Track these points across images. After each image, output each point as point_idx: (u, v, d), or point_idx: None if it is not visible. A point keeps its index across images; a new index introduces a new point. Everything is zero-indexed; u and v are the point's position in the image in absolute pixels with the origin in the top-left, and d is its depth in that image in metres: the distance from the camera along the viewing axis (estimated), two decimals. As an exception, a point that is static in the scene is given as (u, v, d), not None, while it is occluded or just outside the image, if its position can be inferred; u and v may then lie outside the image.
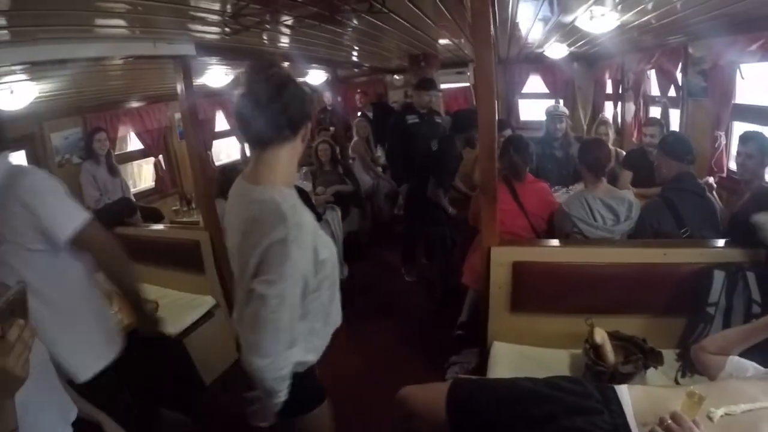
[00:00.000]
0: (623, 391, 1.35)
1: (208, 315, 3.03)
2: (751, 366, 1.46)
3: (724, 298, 2.07)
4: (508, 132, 3.94)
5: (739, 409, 1.22)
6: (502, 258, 2.25)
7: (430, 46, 4.20)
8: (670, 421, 1.15)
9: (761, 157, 2.48)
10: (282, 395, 1.26)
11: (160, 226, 3.66)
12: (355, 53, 4.82)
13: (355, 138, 5.71)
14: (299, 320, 1.26)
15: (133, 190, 4.85)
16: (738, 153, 2.64)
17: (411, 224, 4.27)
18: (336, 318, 1.45)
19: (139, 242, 3.27)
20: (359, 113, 6.51)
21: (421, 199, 3.79)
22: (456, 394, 1.44)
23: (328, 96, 6.46)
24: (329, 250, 1.30)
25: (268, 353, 1.18)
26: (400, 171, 4.37)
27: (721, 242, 2.25)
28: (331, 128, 6.00)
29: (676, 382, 2.01)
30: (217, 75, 4.27)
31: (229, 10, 2.04)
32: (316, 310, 1.32)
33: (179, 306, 2.99)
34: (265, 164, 1.26)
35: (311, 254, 1.21)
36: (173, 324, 2.71)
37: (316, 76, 5.81)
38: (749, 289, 2.05)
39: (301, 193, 4.20)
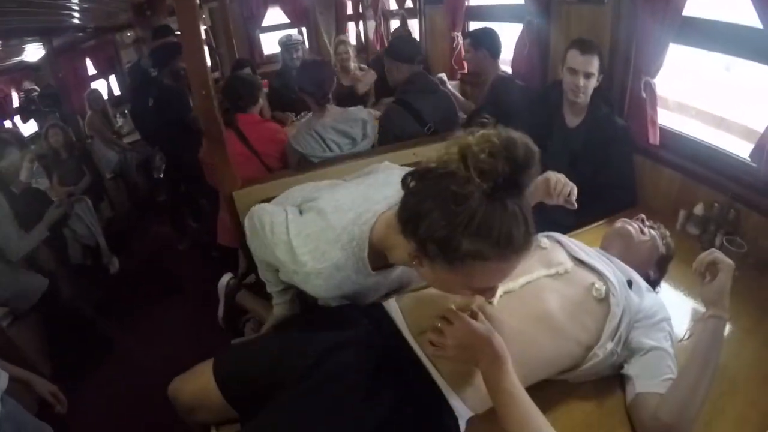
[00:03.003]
0: (391, 305, 1.21)
1: None
2: None
3: None
4: (247, 71, 3.66)
5: (518, 284, 1.16)
6: (247, 200, 1.97)
7: (154, -8, 3.64)
8: (441, 324, 1.02)
9: (476, 50, 2.67)
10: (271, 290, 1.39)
11: None
12: (73, 15, 3.97)
13: (89, 113, 4.84)
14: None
15: None
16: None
17: (173, 188, 3.88)
18: None
19: None
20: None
21: (175, 159, 3.37)
22: (221, 371, 1.18)
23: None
24: None
25: None
26: (150, 133, 3.90)
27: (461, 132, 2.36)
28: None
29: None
30: None
31: None
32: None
33: None
34: None
35: None
36: None
37: (34, 53, 4.80)
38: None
39: (37, 194, 3.47)
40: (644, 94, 1.97)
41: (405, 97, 2.37)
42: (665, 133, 2.03)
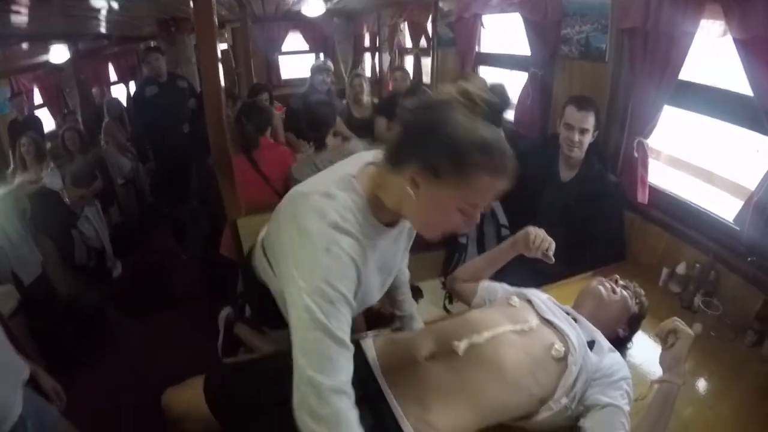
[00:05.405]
0: (369, 345, 1.28)
1: None
2: (500, 287, 1.52)
3: (474, 228, 2.28)
4: (264, 96, 3.71)
5: (482, 338, 1.21)
6: (250, 229, 2.06)
7: (180, 9, 3.75)
8: None
9: None
10: None
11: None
12: (99, 22, 4.12)
13: (106, 119, 4.98)
14: None
15: None
16: None
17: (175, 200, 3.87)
18: None
19: None
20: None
21: (169, 180, 3.37)
22: (211, 385, 1.28)
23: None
24: None
25: None
26: (144, 150, 3.97)
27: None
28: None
29: (445, 309, 2.13)
30: None
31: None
32: None
33: None
34: None
35: None
36: None
37: (58, 54, 4.90)
38: (497, 217, 2.24)
39: (50, 195, 3.56)
40: (636, 154, 2.02)
41: None
42: (655, 192, 2.08)
